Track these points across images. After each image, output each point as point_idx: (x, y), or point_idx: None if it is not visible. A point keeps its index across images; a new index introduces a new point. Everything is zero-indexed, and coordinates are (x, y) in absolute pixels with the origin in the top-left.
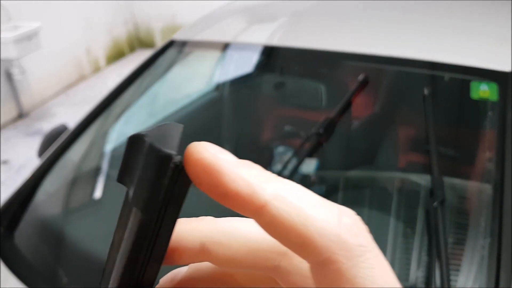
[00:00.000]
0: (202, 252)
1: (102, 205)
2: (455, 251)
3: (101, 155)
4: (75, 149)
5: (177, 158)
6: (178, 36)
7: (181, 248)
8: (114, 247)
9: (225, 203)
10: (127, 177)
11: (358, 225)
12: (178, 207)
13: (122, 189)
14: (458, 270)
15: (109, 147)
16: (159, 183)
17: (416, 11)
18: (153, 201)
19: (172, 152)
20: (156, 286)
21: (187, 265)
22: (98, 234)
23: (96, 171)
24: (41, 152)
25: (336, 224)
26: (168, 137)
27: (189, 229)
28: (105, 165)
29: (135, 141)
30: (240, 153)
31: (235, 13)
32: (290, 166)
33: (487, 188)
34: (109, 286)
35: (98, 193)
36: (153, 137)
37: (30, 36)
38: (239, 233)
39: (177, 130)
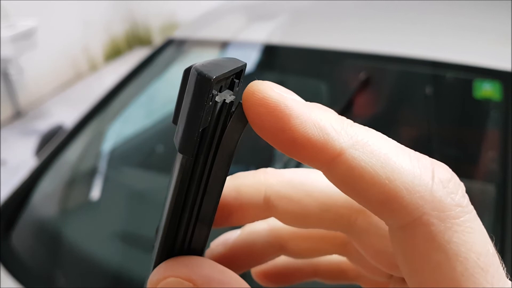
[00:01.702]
0: (267, 209)
1: (99, 206)
2: None
3: (99, 155)
4: (72, 149)
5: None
6: (177, 34)
7: (243, 205)
8: (164, 204)
9: (291, 152)
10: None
11: (454, 181)
12: (229, 154)
13: (120, 189)
14: None
15: (106, 146)
16: (196, 112)
17: (418, 9)
18: (190, 135)
19: (213, 75)
20: (207, 250)
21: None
22: (96, 235)
23: (94, 171)
24: (37, 152)
25: (429, 178)
26: (220, 66)
27: (251, 182)
28: (102, 165)
29: (186, 73)
30: (240, 153)
31: (235, 11)
32: (290, 166)
33: (490, 189)
34: (156, 247)
35: (95, 193)
36: (202, 64)
37: (27, 35)
38: (309, 185)
39: (234, 64)
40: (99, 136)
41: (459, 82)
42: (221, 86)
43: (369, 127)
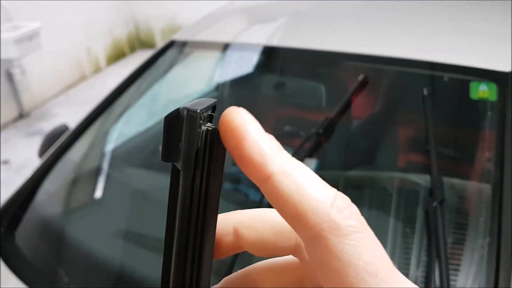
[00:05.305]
0: (236, 239)
1: (102, 205)
2: (455, 251)
3: (102, 155)
4: (76, 149)
5: (200, 113)
6: (179, 36)
7: (218, 235)
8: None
9: (240, 165)
10: (171, 151)
11: (350, 209)
12: (219, 169)
13: (123, 188)
14: (457, 270)
15: (109, 147)
16: (192, 137)
17: (415, 12)
18: (189, 154)
19: (197, 108)
20: None
21: (224, 257)
22: (99, 233)
23: (97, 171)
24: (41, 152)
25: (329, 204)
26: (200, 104)
27: (222, 218)
28: (105, 165)
29: (172, 117)
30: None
31: (235, 13)
32: None
33: (486, 188)
34: (168, 261)
35: (98, 193)
36: (187, 105)
37: (30, 36)
38: (266, 217)
39: (208, 101)
40: (103, 137)
41: (456, 83)
42: (203, 120)
43: (368, 127)
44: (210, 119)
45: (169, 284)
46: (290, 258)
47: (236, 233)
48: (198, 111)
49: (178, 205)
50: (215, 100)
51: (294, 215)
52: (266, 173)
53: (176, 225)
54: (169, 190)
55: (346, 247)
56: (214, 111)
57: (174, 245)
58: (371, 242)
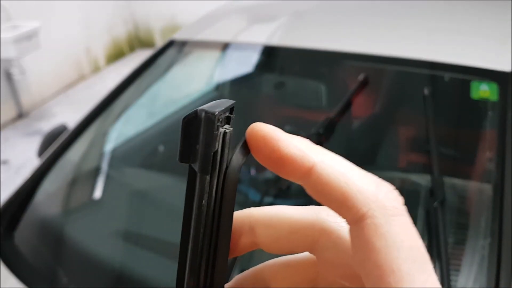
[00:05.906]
0: (252, 237)
1: (101, 205)
2: (455, 251)
3: (101, 155)
4: (75, 149)
5: (218, 115)
6: (178, 36)
7: (235, 233)
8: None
9: (278, 168)
10: (188, 152)
11: (394, 193)
12: (236, 172)
13: (122, 188)
14: (458, 270)
15: (109, 147)
16: (209, 139)
17: (416, 11)
18: (207, 156)
19: (215, 110)
20: None
21: (240, 255)
22: (98, 234)
23: (96, 171)
24: (41, 152)
25: (375, 187)
26: (217, 106)
27: (238, 215)
28: (105, 165)
29: (190, 118)
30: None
31: (235, 12)
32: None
33: (487, 188)
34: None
35: (97, 193)
36: (204, 107)
37: (29, 36)
38: (282, 214)
39: (226, 103)
40: (102, 137)
41: (457, 83)
42: (221, 121)
43: (369, 127)
44: (227, 120)
45: (184, 284)
46: (304, 255)
47: (252, 231)
48: (216, 113)
49: (194, 206)
50: (233, 101)
51: (341, 199)
52: (308, 164)
53: (192, 226)
54: (186, 191)
55: (392, 228)
56: (232, 113)
57: (189, 246)
58: (413, 228)
